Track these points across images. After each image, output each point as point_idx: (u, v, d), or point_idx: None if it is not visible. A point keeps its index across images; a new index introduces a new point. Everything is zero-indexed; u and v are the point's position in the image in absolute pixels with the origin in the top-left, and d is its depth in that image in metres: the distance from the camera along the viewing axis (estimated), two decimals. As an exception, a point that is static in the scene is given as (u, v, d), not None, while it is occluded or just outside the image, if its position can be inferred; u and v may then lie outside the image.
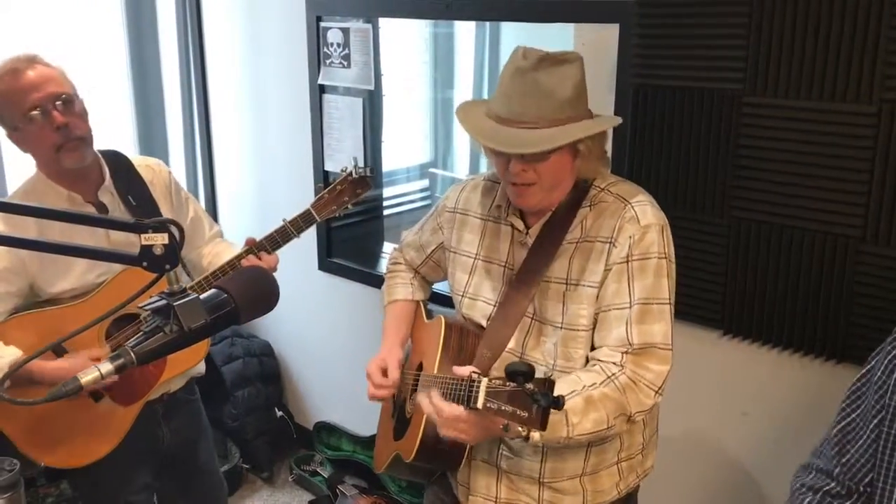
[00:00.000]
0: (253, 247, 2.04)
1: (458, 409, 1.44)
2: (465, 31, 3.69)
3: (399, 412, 1.88)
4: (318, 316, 3.37)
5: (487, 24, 3.53)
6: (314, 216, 2.10)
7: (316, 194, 2.16)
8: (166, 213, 2.09)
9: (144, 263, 1.06)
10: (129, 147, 3.45)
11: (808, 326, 2.00)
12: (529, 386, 1.29)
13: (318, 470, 3.34)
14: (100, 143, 1.99)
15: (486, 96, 3.17)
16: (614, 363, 1.53)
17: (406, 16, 2.83)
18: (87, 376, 1.02)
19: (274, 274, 1.80)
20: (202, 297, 1.09)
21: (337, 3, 2.90)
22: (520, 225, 1.69)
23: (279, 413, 3.48)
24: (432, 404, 1.50)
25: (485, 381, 1.36)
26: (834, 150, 1.87)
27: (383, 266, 2.07)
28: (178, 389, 2.16)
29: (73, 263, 1.92)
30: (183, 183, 2.42)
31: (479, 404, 1.35)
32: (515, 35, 3.22)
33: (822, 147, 1.89)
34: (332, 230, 3.19)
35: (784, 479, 1.51)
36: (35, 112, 1.81)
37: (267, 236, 2.05)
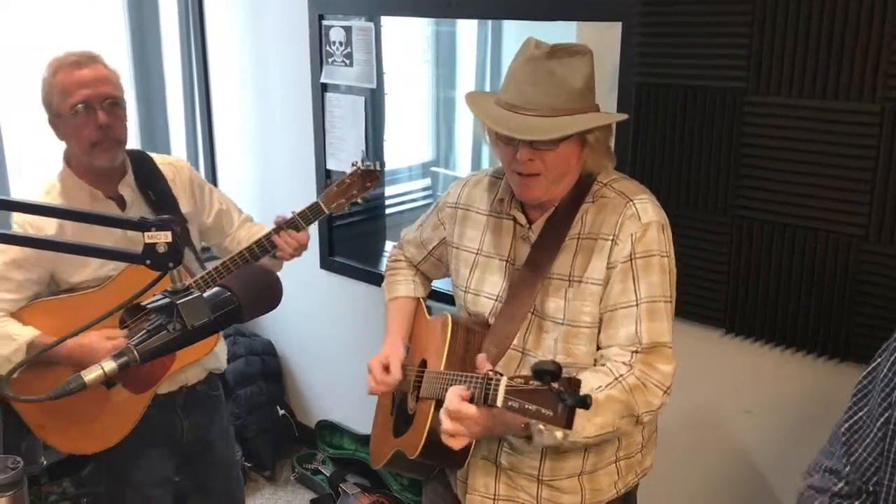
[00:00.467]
0: (282, 224, 2.07)
1: (472, 409, 1.42)
2: (467, 30, 3.68)
3: (399, 408, 1.88)
4: (320, 315, 3.38)
5: (489, 22, 3.52)
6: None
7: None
8: (187, 209, 2.15)
9: (148, 262, 1.07)
10: (130, 147, 3.43)
11: (812, 325, 2.00)
12: (556, 385, 1.27)
13: (320, 468, 3.34)
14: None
15: (488, 94, 3.17)
16: (624, 363, 1.53)
17: (408, 14, 2.84)
18: (91, 374, 1.04)
19: (278, 273, 1.81)
20: (205, 295, 1.09)
21: (339, 2, 2.90)
22: (522, 219, 1.68)
23: (281, 411, 3.49)
24: (458, 408, 1.43)
25: (504, 379, 1.34)
26: (837, 148, 1.87)
27: (385, 265, 2.07)
28: (197, 383, 2.18)
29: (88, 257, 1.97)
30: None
31: (499, 402, 1.33)
32: (517, 34, 3.21)
33: (825, 146, 1.89)
34: (333, 229, 3.20)
35: (786, 477, 1.51)
36: (81, 106, 1.89)
37: (299, 212, 2.08)
